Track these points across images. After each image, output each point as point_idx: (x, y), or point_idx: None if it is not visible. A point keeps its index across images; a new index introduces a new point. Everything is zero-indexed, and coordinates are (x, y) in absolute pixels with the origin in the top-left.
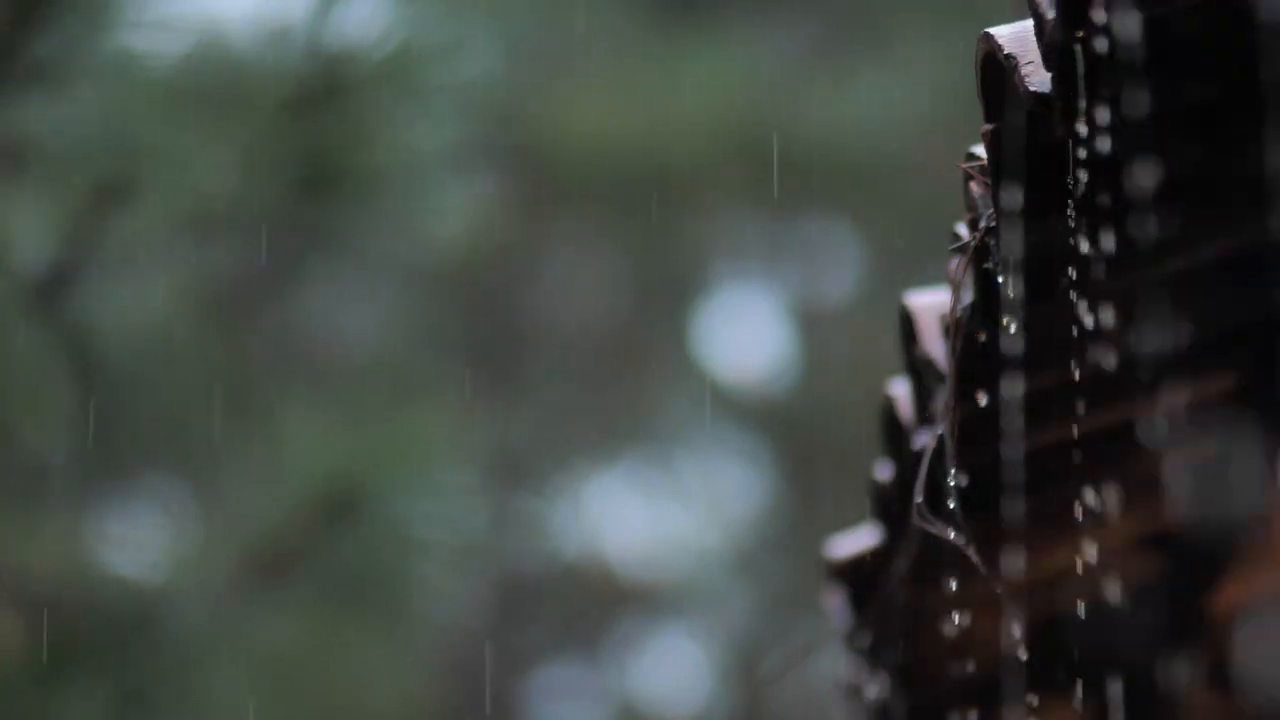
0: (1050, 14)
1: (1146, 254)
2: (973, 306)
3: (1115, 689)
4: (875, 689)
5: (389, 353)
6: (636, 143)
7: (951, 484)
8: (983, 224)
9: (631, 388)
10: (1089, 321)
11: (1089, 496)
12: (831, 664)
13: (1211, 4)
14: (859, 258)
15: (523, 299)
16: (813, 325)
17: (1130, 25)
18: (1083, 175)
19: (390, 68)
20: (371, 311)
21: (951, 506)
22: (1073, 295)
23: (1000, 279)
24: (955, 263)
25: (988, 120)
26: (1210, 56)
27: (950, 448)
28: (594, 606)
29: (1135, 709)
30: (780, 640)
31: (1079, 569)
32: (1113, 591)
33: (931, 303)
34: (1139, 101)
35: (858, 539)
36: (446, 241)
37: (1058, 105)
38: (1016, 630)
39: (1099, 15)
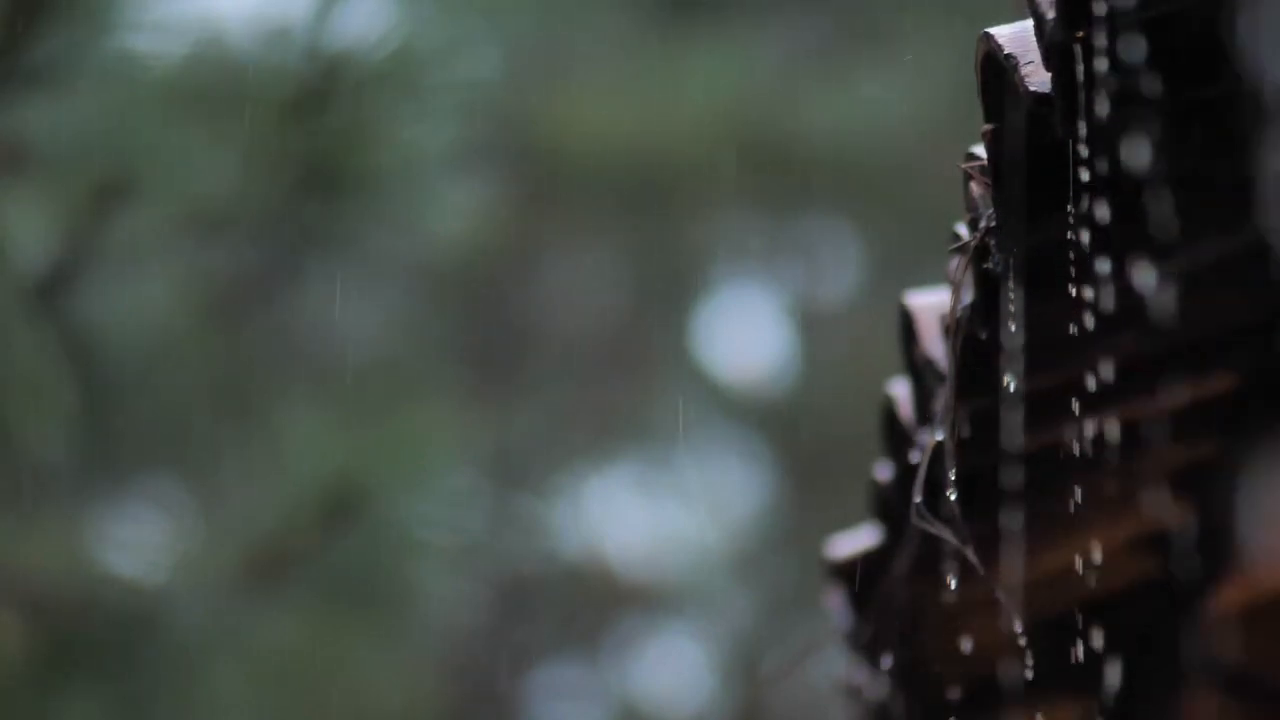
0: (1050, 14)
1: (1146, 254)
2: (973, 306)
3: (1115, 689)
4: (875, 689)
5: (389, 353)
6: (636, 143)
7: (950, 484)
8: (983, 224)
9: (631, 388)
10: (1089, 321)
11: (1088, 497)
12: (831, 664)
13: (1211, 4)
14: (859, 258)
15: (523, 299)
16: (813, 325)
17: (1130, 25)
18: (1083, 175)
19: (390, 68)
20: (371, 311)
21: (951, 507)
22: (1073, 295)
23: (1000, 279)
24: (955, 263)
25: (988, 120)
26: (1210, 56)
27: (950, 448)
28: (594, 606)
29: (1135, 709)
30: (780, 640)
31: (1078, 569)
32: (1112, 592)
33: (931, 303)
34: (1139, 101)
35: (858, 539)
36: (447, 241)
37: (1058, 105)
38: (1016, 630)
39: (1099, 15)
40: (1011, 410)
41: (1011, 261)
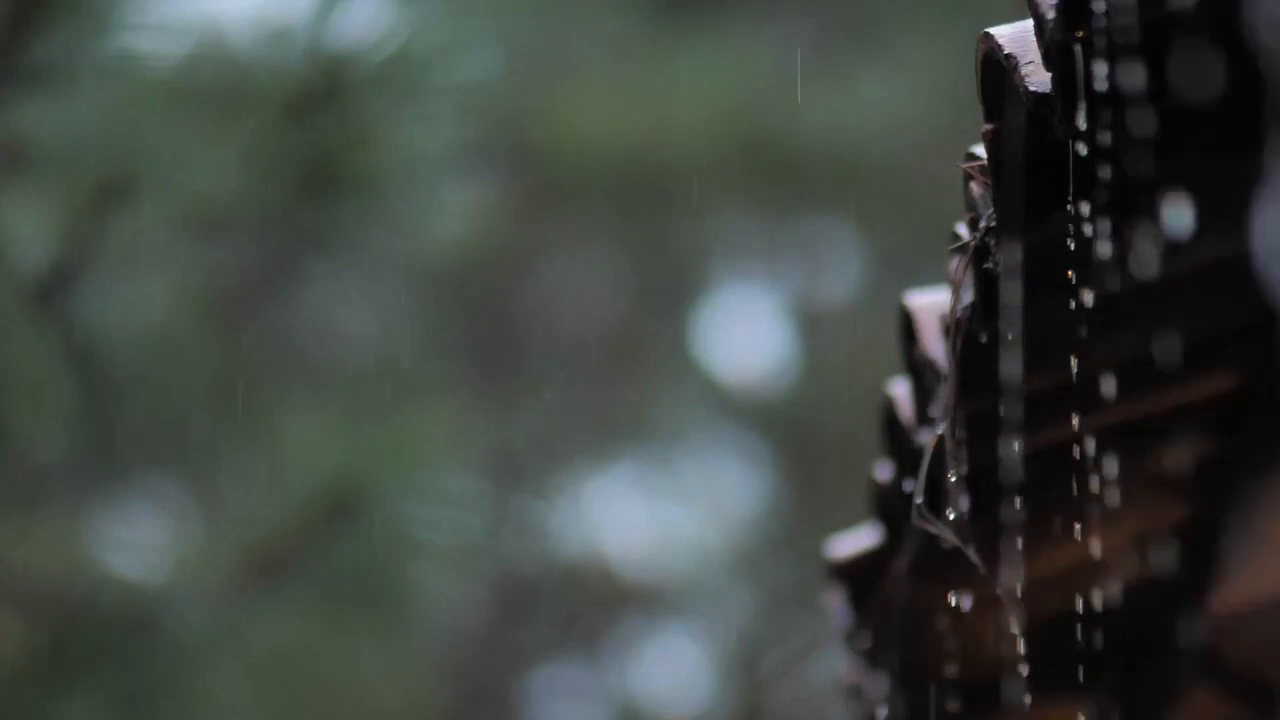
0: (1050, 14)
1: (1146, 253)
2: (973, 306)
3: (1115, 689)
4: (875, 689)
5: (389, 353)
6: (636, 143)
7: (951, 484)
8: (983, 224)
9: (631, 388)
10: (1089, 321)
11: (1089, 496)
12: (831, 664)
13: (1211, 4)
14: (859, 258)
15: (523, 299)
16: (813, 325)
17: (1130, 25)
18: (1082, 175)
19: (391, 69)
20: (371, 311)
21: (951, 507)
22: (1072, 295)
23: (1000, 279)
24: (955, 263)
25: (988, 120)
26: (1210, 56)
27: (950, 448)
28: (594, 606)
29: (1135, 709)
30: (780, 640)
31: (1079, 569)
32: (1113, 591)
33: (931, 303)
34: (1139, 101)
35: (858, 539)
36: (446, 241)
37: (1058, 105)
38: (1016, 630)
39: (1099, 15)
40: (1011, 410)
41: (1011, 261)
